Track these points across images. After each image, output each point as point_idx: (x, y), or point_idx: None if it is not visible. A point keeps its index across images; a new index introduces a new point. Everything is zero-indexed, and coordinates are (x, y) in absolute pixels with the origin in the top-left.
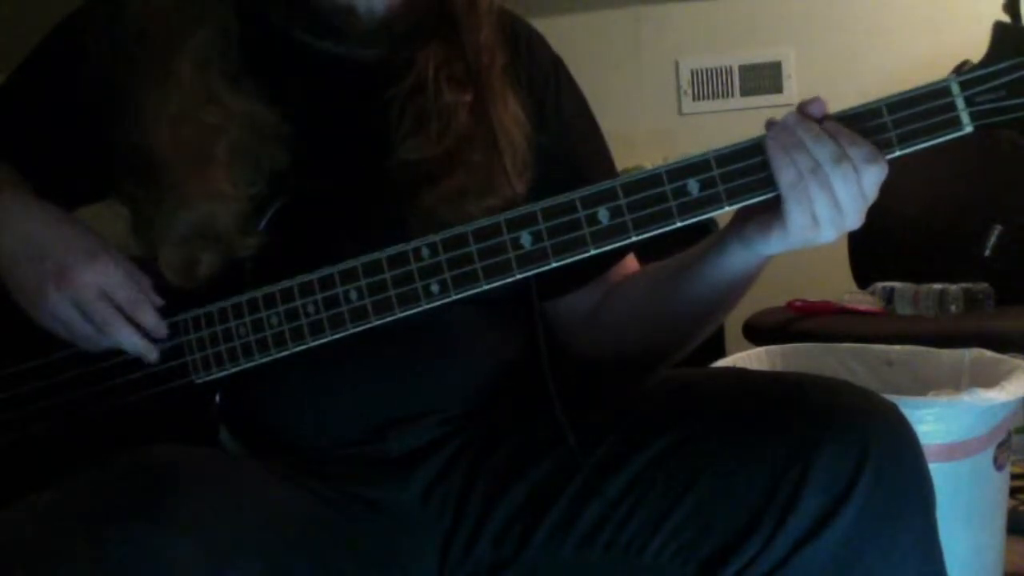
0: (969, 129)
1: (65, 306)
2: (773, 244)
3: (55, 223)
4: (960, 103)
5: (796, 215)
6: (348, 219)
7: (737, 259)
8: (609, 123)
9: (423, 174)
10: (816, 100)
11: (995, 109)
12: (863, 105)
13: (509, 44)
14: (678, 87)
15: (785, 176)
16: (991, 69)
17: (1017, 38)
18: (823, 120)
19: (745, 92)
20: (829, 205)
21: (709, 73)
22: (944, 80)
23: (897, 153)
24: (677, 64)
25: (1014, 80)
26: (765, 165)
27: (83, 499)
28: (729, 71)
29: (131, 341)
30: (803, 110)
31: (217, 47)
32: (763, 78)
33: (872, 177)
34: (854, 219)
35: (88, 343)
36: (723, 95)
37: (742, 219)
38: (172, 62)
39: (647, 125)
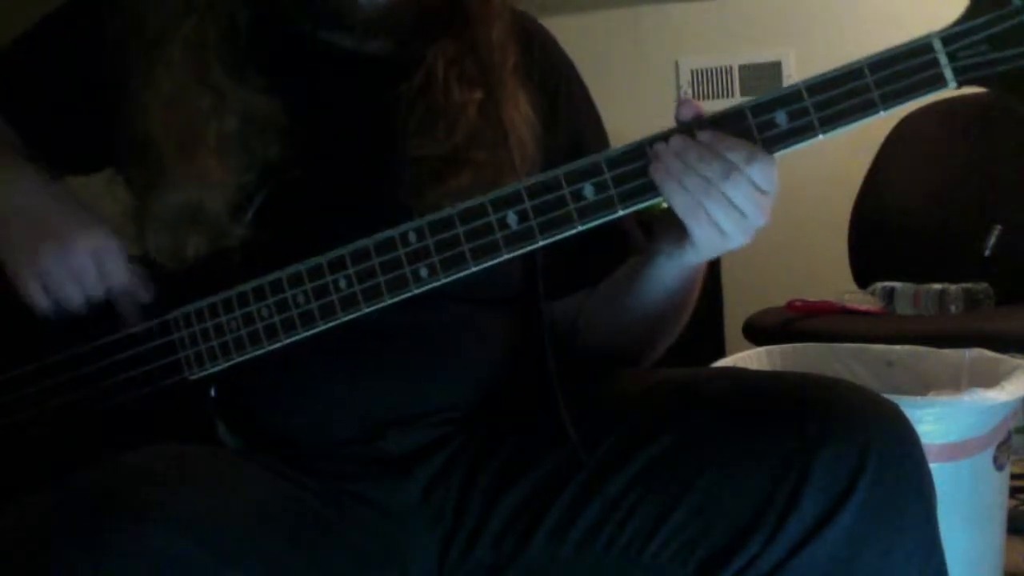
0: (953, 85)
1: (57, 266)
2: (688, 256)
3: (57, 194)
4: (943, 59)
5: (699, 232)
6: (350, 214)
7: (667, 271)
8: (609, 123)
9: (429, 172)
10: (687, 103)
11: (978, 64)
12: (845, 65)
13: (521, 42)
14: (678, 87)
15: (680, 202)
16: (972, 23)
17: None
18: (700, 126)
19: (745, 92)
20: (731, 217)
21: (709, 73)
22: (926, 37)
23: (881, 113)
24: (677, 64)
25: (996, 33)
26: (747, 130)
27: (82, 499)
28: (729, 71)
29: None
30: (680, 118)
31: (217, 32)
32: (763, 78)
33: (759, 173)
34: (758, 218)
35: (69, 303)
36: (723, 95)
37: (664, 231)
38: (168, 44)
39: (647, 125)
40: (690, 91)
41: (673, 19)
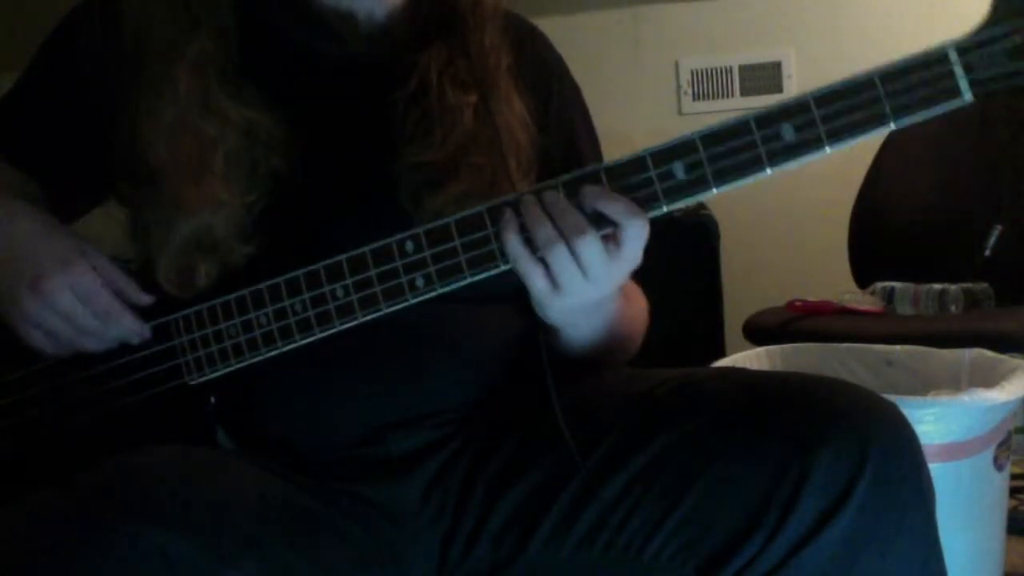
0: (968, 98)
1: (43, 313)
2: (540, 309)
3: (38, 231)
4: (959, 70)
5: (532, 281)
6: (350, 222)
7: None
8: (609, 123)
9: (427, 178)
10: None
11: (996, 76)
12: (856, 76)
13: (514, 44)
14: (678, 87)
15: (512, 249)
16: (991, 33)
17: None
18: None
19: (745, 92)
20: (573, 272)
21: (709, 73)
22: (941, 46)
23: (892, 126)
24: (677, 64)
25: (1017, 44)
26: (751, 145)
27: (82, 500)
28: (729, 71)
29: (109, 343)
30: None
31: (215, 51)
32: (763, 78)
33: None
34: (606, 282)
35: (70, 348)
36: (723, 95)
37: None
38: (169, 69)
39: (647, 125)
40: (690, 91)
41: (673, 19)
